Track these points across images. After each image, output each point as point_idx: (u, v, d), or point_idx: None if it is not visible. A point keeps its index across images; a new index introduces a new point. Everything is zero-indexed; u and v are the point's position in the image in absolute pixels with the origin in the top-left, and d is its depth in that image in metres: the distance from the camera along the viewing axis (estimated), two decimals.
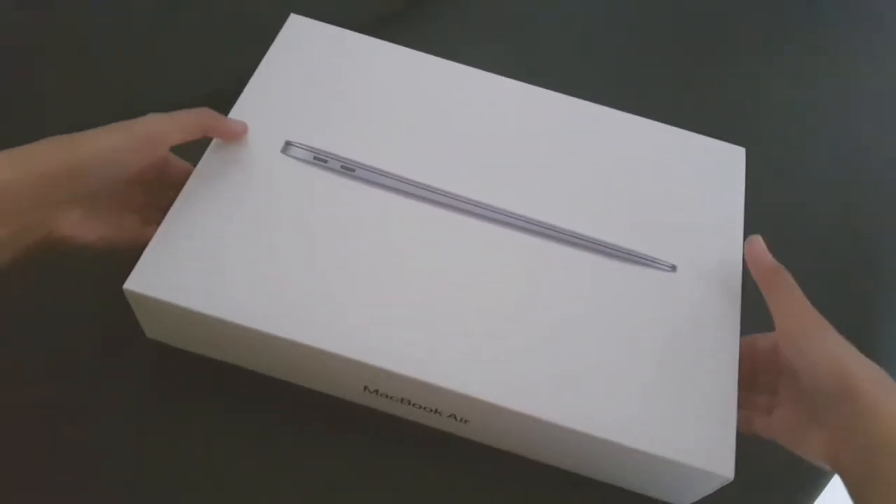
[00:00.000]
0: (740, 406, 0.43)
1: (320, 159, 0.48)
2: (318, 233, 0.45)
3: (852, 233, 0.65)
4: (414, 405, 0.44)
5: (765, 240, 0.46)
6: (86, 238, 0.42)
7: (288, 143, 0.48)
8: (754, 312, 0.47)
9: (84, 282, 0.49)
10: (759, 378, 0.46)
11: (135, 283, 0.42)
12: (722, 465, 0.41)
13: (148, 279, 0.42)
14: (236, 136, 0.48)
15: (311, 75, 0.52)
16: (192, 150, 0.47)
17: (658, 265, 0.48)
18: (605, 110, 0.54)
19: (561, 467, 0.48)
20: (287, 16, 0.55)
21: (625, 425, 0.41)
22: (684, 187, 0.52)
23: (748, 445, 0.43)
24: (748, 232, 0.49)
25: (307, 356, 0.42)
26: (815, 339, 0.40)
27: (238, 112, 0.49)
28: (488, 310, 0.44)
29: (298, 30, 0.54)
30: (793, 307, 0.42)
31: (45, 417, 0.47)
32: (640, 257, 0.48)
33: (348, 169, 0.48)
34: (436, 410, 0.44)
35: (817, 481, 0.54)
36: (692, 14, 0.78)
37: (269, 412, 0.48)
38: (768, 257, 0.45)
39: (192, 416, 0.48)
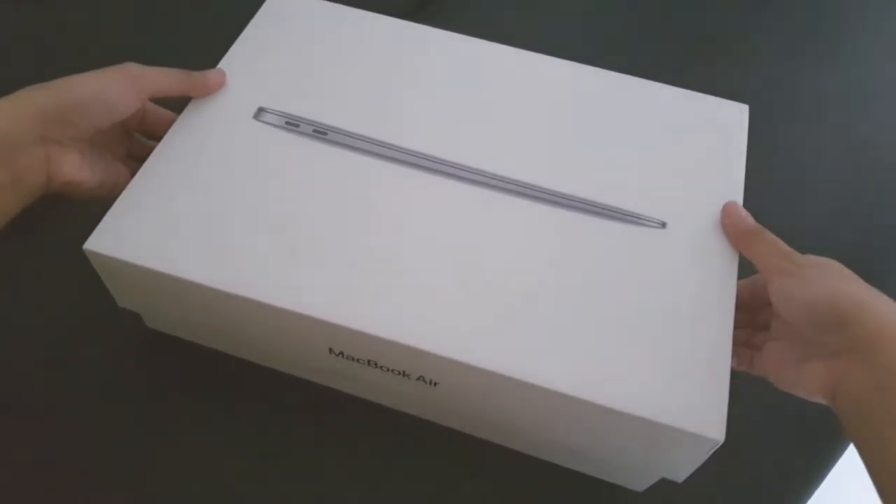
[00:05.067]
0: (739, 344, 0.41)
1: (292, 124, 0.47)
2: (286, 195, 0.44)
3: (852, 228, 0.62)
4: (382, 367, 0.42)
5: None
6: (88, 182, 0.43)
7: (260, 109, 0.48)
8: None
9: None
10: (759, 317, 0.44)
11: (96, 243, 0.41)
12: (712, 427, 0.37)
13: (110, 240, 0.41)
14: (213, 87, 0.48)
15: (290, 45, 0.51)
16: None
17: (646, 222, 0.44)
18: (595, 70, 0.52)
19: (535, 443, 0.46)
20: None
21: (604, 385, 0.38)
22: (683, 145, 0.48)
23: (746, 443, 0.40)
24: (749, 195, 0.46)
25: (271, 317, 0.41)
26: (802, 277, 0.38)
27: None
28: (463, 269, 0.42)
29: (280, 3, 0.54)
30: (773, 256, 0.41)
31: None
32: (627, 214, 0.45)
33: (320, 133, 0.47)
34: (404, 373, 0.41)
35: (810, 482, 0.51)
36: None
37: (258, 402, 0.49)
38: (747, 220, 0.43)
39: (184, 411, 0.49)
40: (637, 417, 0.38)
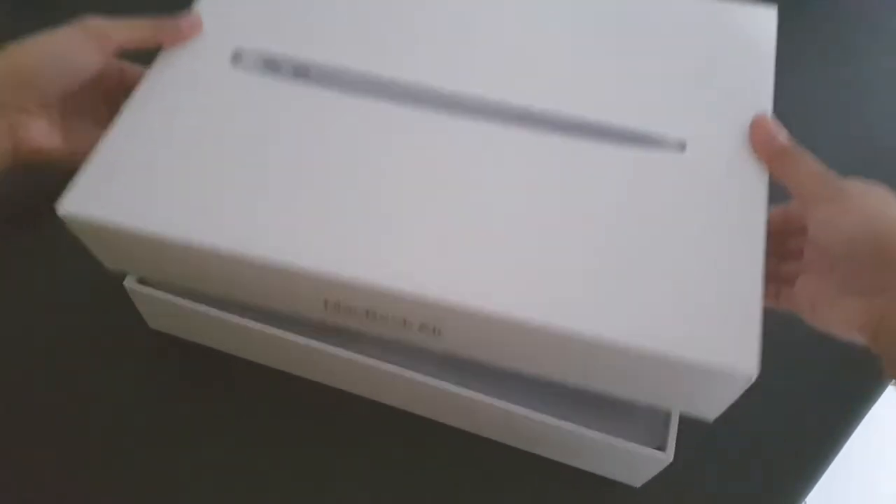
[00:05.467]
0: (768, 279, 0.37)
1: (271, 65, 0.44)
2: (266, 144, 0.40)
3: None
4: (381, 318, 0.39)
5: None
6: (60, 149, 0.41)
7: (237, 51, 0.44)
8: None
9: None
10: (789, 245, 0.40)
11: (70, 204, 0.38)
12: (745, 361, 0.34)
13: (85, 200, 0.38)
14: (187, 33, 0.44)
15: None
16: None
17: (663, 145, 0.40)
18: None
19: (513, 436, 0.45)
20: None
21: (624, 323, 0.35)
22: (704, 54, 0.44)
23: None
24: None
25: (261, 273, 0.38)
26: (844, 205, 0.35)
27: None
28: (462, 209, 0.38)
29: None
30: (811, 179, 0.37)
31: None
32: (642, 136, 0.40)
33: (302, 72, 0.43)
34: (404, 322, 0.38)
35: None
36: None
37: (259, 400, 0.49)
38: (779, 137, 0.38)
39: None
40: (662, 356, 0.34)
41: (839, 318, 0.35)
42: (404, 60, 0.43)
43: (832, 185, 0.36)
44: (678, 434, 0.43)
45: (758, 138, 0.39)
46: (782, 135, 0.39)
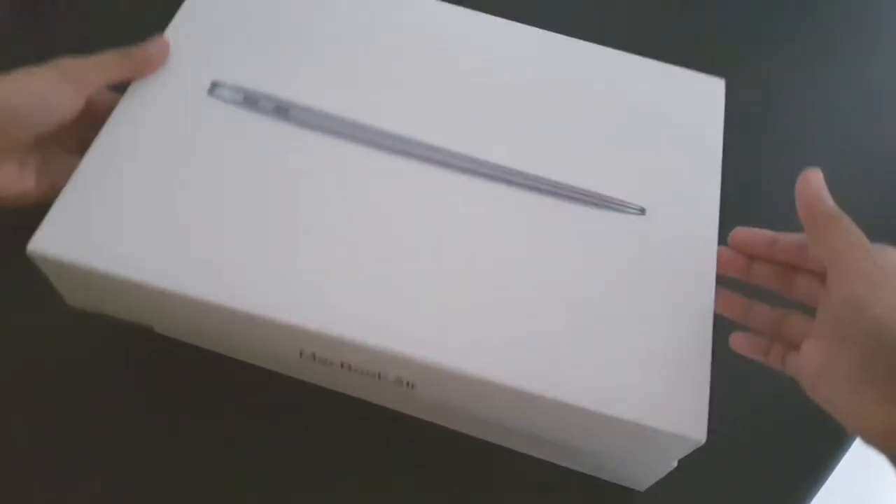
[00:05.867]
0: (768, 330, 0.37)
1: (251, 100, 0.43)
2: (243, 183, 0.41)
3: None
4: (355, 370, 0.40)
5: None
6: (33, 191, 0.40)
7: (215, 84, 0.44)
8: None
9: None
10: (797, 284, 0.38)
11: (40, 243, 0.37)
12: (693, 426, 0.37)
13: (55, 239, 0.38)
14: (157, 61, 0.43)
15: (247, 4, 0.47)
16: None
17: (625, 208, 0.43)
18: (567, 40, 0.49)
19: (517, 440, 0.45)
20: None
21: (578, 385, 0.37)
22: (656, 123, 0.47)
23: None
24: (726, 182, 0.45)
25: (231, 320, 0.38)
26: (882, 286, 0.32)
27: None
28: (432, 262, 0.40)
29: None
30: (852, 252, 0.33)
31: None
32: (605, 200, 0.43)
33: (282, 110, 0.43)
34: (379, 375, 0.40)
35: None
36: None
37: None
38: (827, 201, 0.35)
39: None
40: (613, 418, 0.37)
41: (851, 412, 0.32)
42: (382, 108, 0.44)
43: (871, 261, 0.33)
44: None
45: (803, 196, 0.36)
46: (829, 199, 0.35)
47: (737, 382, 0.44)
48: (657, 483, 0.45)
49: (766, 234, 0.39)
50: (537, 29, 0.49)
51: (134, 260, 0.38)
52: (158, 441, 0.45)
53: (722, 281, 0.41)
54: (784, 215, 0.56)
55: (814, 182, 0.36)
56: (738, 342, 0.40)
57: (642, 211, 0.43)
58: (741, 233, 0.40)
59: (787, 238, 0.38)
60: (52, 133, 0.40)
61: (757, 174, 0.58)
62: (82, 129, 0.42)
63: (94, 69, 0.40)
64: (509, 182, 0.43)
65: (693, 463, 0.40)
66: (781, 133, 0.64)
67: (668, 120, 0.47)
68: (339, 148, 0.42)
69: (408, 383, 0.40)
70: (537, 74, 0.47)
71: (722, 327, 0.40)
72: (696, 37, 0.68)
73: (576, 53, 0.49)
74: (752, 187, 0.56)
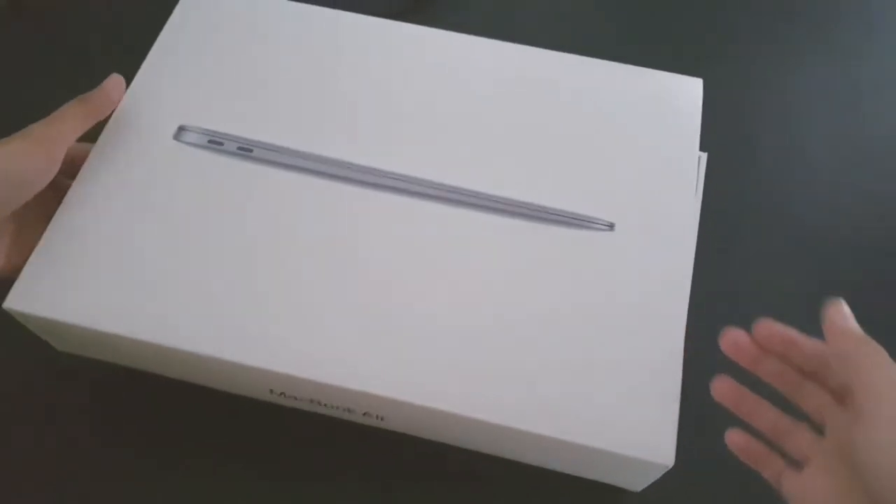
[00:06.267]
0: (775, 438, 0.35)
1: (216, 142, 0.44)
2: (211, 227, 0.41)
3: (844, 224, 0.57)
4: (325, 405, 0.41)
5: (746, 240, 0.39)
6: (8, 263, 0.40)
7: (181, 128, 0.44)
8: (711, 276, 0.42)
9: None
10: (806, 395, 0.35)
11: (16, 300, 0.39)
12: (661, 452, 0.37)
13: (30, 295, 0.39)
14: (115, 96, 0.44)
15: (211, 47, 0.48)
16: None
17: (592, 225, 0.42)
18: (531, 51, 0.48)
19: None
20: None
21: (547, 413, 0.37)
22: (628, 130, 0.45)
23: None
24: (708, 187, 0.43)
25: (204, 363, 0.39)
26: None
27: (130, 99, 0.45)
28: (398, 294, 0.40)
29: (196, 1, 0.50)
30: (883, 381, 0.30)
31: None
32: (571, 217, 0.42)
33: (245, 150, 0.44)
34: (348, 409, 0.40)
35: None
36: None
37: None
38: (855, 328, 0.33)
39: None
40: (584, 446, 0.37)
41: None
42: (343, 140, 0.44)
43: None
44: (679, 438, 0.39)
45: (835, 328, 0.33)
46: (855, 325, 0.33)
47: (737, 378, 0.43)
48: (653, 484, 0.43)
49: (790, 332, 0.36)
50: (500, 42, 0.48)
51: (108, 312, 0.39)
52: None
53: (725, 365, 0.38)
54: (766, 222, 0.55)
55: (844, 312, 0.33)
56: (734, 440, 0.37)
57: (611, 226, 0.42)
58: (765, 326, 0.36)
59: (809, 344, 0.35)
60: (28, 204, 0.40)
61: (739, 177, 0.56)
62: (57, 187, 0.42)
63: (62, 128, 0.40)
64: (473, 206, 0.43)
65: (688, 464, 0.39)
66: (765, 133, 0.61)
67: (641, 126, 0.45)
68: (299, 183, 0.43)
69: (378, 416, 0.40)
70: (500, 89, 0.47)
71: (714, 329, 0.39)
72: (674, 37, 0.66)
73: (540, 64, 0.48)
74: (734, 191, 0.54)
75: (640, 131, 0.45)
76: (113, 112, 0.44)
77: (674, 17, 0.67)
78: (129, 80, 0.46)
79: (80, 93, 0.43)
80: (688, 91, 0.47)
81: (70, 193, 0.42)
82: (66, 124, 0.41)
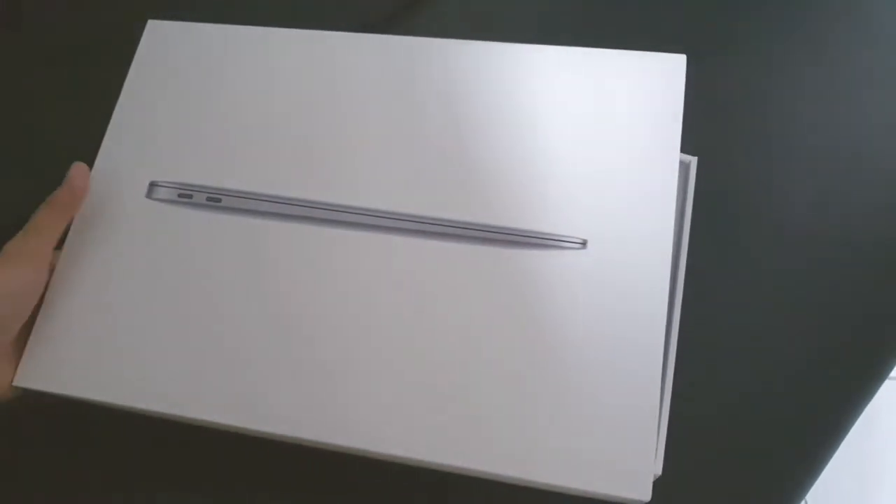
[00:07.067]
0: None
1: (185, 195, 0.45)
2: (183, 284, 0.42)
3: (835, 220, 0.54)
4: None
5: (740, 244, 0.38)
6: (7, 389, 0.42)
7: (152, 184, 0.45)
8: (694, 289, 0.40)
9: None
10: None
11: (24, 379, 0.42)
12: (636, 488, 0.36)
13: (36, 373, 0.42)
14: (81, 187, 0.44)
15: (177, 91, 0.47)
16: None
17: (563, 243, 0.40)
18: (497, 46, 0.45)
19: None
20: None
21: (519, 454, 0.37)
22: (602, 123, 0.42)
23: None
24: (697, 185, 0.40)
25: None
26: None
27: (104, 159, 0.46)
28: (365, 337, 0.40)
29: (158, 38, 0.49)
30: None
31: None
32: (538, 237, 0.40)
33: (214, 200, 0.44)
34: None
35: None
36: None
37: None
38: None
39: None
40: (553, 485, 0.36)
41: None
42: (312, 183, 0.43)
43: None
44: (668, 439, 0.40)
45: None
46: None
47: (734, 382, 0.41)
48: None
49: None
50: (464, 41, 0.45)
51: (109, 385, 0.41)
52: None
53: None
54: (763, 205, 0.52)
55: None
56: None
57: (584, 244, 0.40)
58: None
59: None
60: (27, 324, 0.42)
61: (731, 180, 0.53)
62: None
63: (38, 240, 0.41)
64: (442, 235, 0.41)
65: (683, 463, 0.40)
66: (756, 134, 0.56)
67: (615, 119, 0.42)
68: (267, 227, 0.43)
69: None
70: (459, 94, 0.44)
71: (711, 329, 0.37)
72: (661, 37, 0.60)
73: (505, 58, 0.44)
74: (724, 187, 0.51)
75: (613, 127, 0.42)
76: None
77: (662, 18, 0.62)
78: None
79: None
80: (669, 70, 0.43)
81: (59, 265, 0.44)
82: (41, 235, 0.42)
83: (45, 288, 0.42)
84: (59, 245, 0.43)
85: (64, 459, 0.48)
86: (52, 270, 0.43)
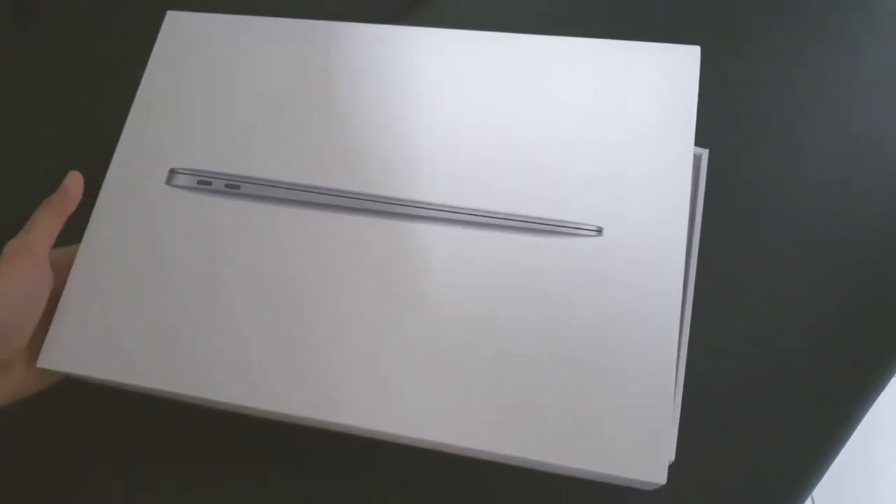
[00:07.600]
0: None
1: (204, 182, 0.45)
2: (208, 271, 0.43)
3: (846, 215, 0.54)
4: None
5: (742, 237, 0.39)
6: (43, 383, 0.43)
7: (172, 172, 0.46)
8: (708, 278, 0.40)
9: None
10: None
11: (47, 360, 0.43)
12: (653, 469, 0.36)
13: (59, 354, 0.42)
14: (75, 193, 0.44)
15: (196, 80, 0.48)
16: None
17: (579, 231, 0.41)
18: (509, 37, 0.46)
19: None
20: None
21: (536, 434, 0.37)
22: (615, 118, 0.43)
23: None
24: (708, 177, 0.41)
25: (221, 404, 0.42)
26: None
27: (124, 147, 0.47)
28: (384, 321, 0.40)
29: (177, 29, 0.50)
30: None
31: None
32: (557, 224, 0.41)
33: (233, 186, 0.45)
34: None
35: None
36: None
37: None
38: None
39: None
40: (570, 467, 0.37)
41: None
42: (327, 168, 0.44)
43: None
44: (681, 432, 0.41)
45: None
46: None
47: (743, 375, 0.41)
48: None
49: None
50: (481, 32, 0.46)
51: (130, 367, 0.41)
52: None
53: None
54: (769, 221, 0.53)
55: None
56: None
57: (599, 231, 0.41)
58: None
59: None
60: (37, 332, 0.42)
61: (742, 175, 0.54)
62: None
63: (35, 234, 0.42)
64: (466, 224, 0.42)
65: (692, 458, 0.40)
66: (767, 129, 0.57)
67: (629, 110, 0.43)
68: (285, 214, 0.43)
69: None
70: (475, 83, 0.45)
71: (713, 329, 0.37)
72: (670, 34, 0.61)
73: (516, 49, 0.45)
74: (735, 180, 0.52)
75: (628, 117, 0.42)
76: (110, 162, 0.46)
77: (670, 12, 0.62)
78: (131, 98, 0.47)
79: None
80: (683, 62, 0.43)
81: (80, 250, 0.44)
82: (39, 230, 0.42)
83: (51, 286, 0.42)
84: (58, 244, 0.44)
85: (64, 450, 0.48)
86: (52, 269, 0.43)
